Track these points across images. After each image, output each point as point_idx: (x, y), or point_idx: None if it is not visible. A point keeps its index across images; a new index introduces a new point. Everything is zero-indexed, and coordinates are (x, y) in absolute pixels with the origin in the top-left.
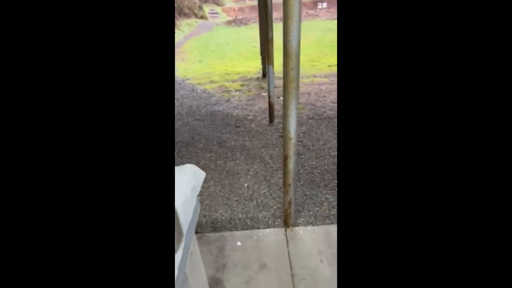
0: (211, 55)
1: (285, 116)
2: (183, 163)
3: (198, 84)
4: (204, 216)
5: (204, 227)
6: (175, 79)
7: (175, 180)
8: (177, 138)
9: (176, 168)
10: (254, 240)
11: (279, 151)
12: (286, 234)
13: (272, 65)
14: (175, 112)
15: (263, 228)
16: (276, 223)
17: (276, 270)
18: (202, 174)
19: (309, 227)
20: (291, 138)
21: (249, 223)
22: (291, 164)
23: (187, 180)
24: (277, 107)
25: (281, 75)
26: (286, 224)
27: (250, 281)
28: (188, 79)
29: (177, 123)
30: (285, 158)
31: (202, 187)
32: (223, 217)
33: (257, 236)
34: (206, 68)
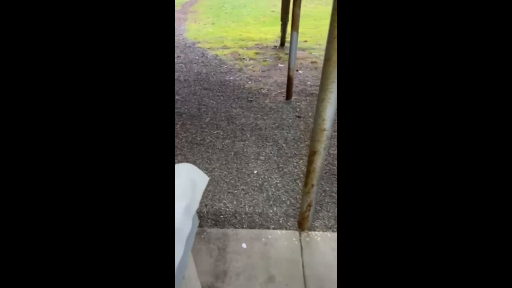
0: (225, 18)
1: (320, 100)
2: (186, 138)
3: (209, 48)
4: (206, 205)
5: (205, 219)
6: (185, 41)
7: None
8: (182, 108)
9: None
10: (262, 244)
11: (295, 134)
12: (300, 240)
13: (297, 31)
14: (182, 78)
15: (273, 229)
16: (288, 224)
17: (286, 286)
18: (203, 179)
19: (329, 234)
20: (324, 129)
21: (257, 220)
22: (318, 161)
23: (180, 195)
24: (295, 81)
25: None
26: (301, 227)
27: None
28: (199, 42)
29: (184, 91)
30: (312, 153)
31: (206, 169)
32: (228, 209)
33: (266, 239)
34: (219, 32)
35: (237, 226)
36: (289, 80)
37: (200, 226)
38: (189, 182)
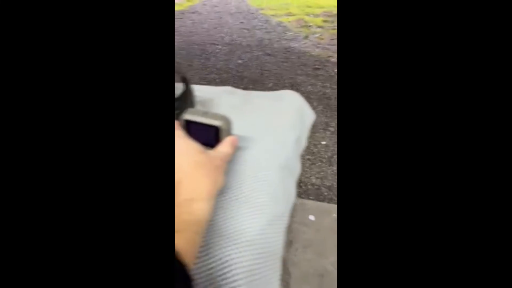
0: None
1: None
2: None
3: (273, 15)
4: None
5: None
6: (248, 8)
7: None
8: (244, 73)
9: (272, 94)
10: (332, 219)
11: None
12: None
13: None
14: (244, 43)
15: None
16: None
17: None
18: (310, 114)
19: None
20: None
21: (326, 194)
22: None
23: (288, 123)
24: None
25: None
26: None
27: (326, 275)
28: (262, 8)
29: (246, 56)
30: None
31: None
32: None
33: (336, 214)
34: None
35: (302, 196)
36: None
37: None
38: (298, 111)
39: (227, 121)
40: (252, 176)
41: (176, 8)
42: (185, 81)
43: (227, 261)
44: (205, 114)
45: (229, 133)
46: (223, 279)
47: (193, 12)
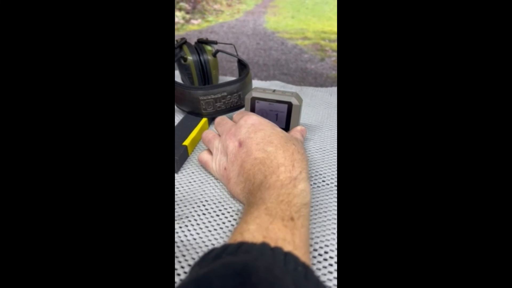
0: (305, 13)
1: None
2: None
3: (289, 38)
4: None
5: None
6: (264, 31)
7: None
8: None
9: (326, 89)
10: None
11: None
12: None
13: None
14: (261, 62)
15: None
16: None
17: None
18: None
19: None
20: None
21: None
22: None
23: None
24: None
25: None
26: None
27: None
28: (278, 32)
29: (262, 74)
30: None
31: None
32: None
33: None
34: (299, 24)
35: None
36: None
37: None
38: None
39: (299, 98)
40: (332, 165)
41: (194, 27)
42: (245, 63)
43: (327, 252)
44: (274, 92)
45: (300, 110)
46: (329, 272)
47: (210, 32)
